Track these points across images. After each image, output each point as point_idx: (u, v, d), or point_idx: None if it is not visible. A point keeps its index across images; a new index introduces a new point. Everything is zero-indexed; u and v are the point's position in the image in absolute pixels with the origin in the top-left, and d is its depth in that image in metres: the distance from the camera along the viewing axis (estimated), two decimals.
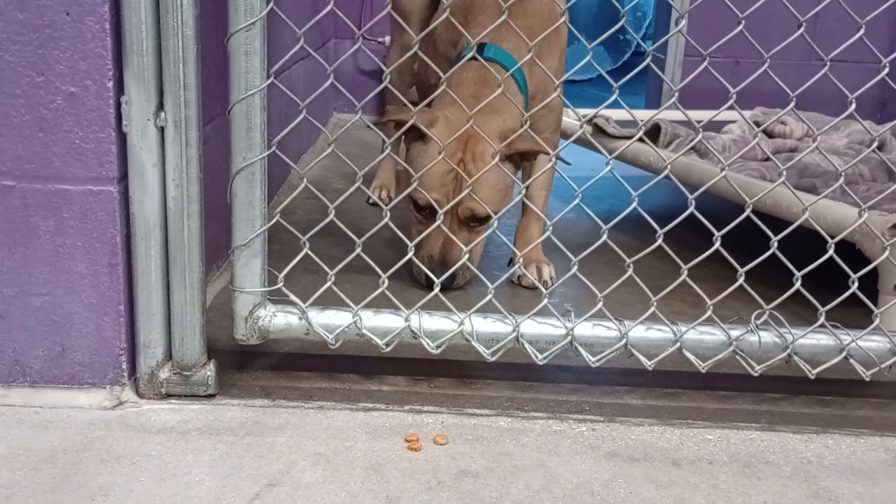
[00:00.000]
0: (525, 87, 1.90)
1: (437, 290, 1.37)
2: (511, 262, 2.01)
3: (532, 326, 1.36)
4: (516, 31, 1.46)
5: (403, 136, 1.84)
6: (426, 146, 1.80)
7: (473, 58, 1.83)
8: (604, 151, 2.17)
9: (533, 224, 1.99)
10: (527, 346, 1.35)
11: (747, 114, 2.70)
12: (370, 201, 2.50)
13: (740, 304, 1.47)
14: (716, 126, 2.49)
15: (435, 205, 1.66)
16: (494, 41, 1.87)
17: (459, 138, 1.73)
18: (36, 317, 1.30)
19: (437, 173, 1.75)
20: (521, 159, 1.83)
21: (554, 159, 1.54)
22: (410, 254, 1.38)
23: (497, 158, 1.53)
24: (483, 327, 1.35)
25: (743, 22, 1.27)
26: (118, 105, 1.24)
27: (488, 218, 1.79)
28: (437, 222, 1.41)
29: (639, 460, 1.24)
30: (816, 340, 1.38)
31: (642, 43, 1.45)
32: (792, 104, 1.32)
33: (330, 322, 1.34)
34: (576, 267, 1.40)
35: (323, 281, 1.33)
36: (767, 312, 1.36)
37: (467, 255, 1.44)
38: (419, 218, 1.85)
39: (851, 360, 1.38)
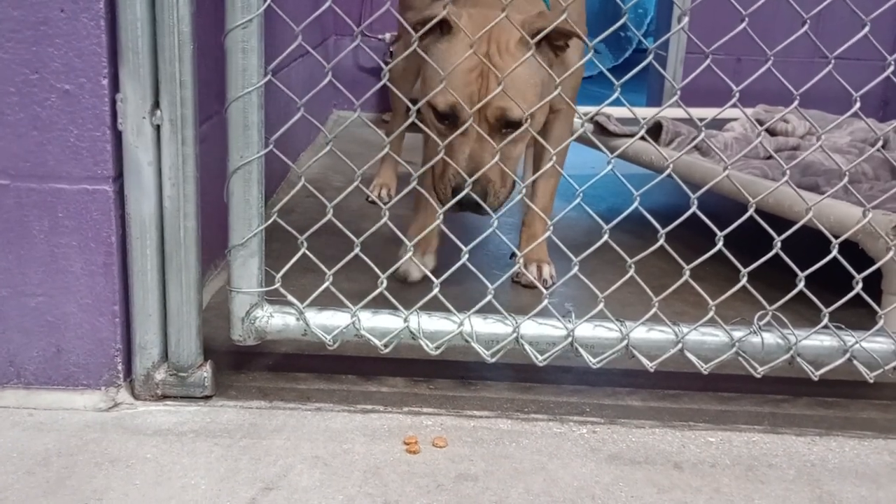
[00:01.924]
0: (549, 3, 1.72)
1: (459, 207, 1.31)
2: (513, 256, 1.97)
3: (532, 327, 1.34)
4: None
5: (420, 39, 1.39)
6: (448, 43, 1.55)
7: None
8: (605, 150, 2.16)
9: (536, 221, 1.93)
10: (527, 347, 1.34)
11: (749, 111, 2.68)
12: (369, 200, 2.49)
13: (742, 304, 1.46)
14: (717, 124, 2.47)
15: (460, 107, 1.47)
16: None
17: (483, 33, 1.44)
18: (31, 317, 1.29)
19: (459, 72, 1.50)
20: (553, 50, 1.59)
21: (555, 158, 1.47)
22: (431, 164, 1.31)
23: (532, 51, 1.37)
24: (483, 328, 1.34)
25: (746, 20, 1.25)
26: (113, 103, 1.22)
27: (520, 122, 1.52)
28: (462, 129, 1.28)
29: (640, 463, 1.23)
30: (820, 342, 1.37)
31: (644, 40, 1.43)
32: (796, 102, 1.31)
33: (328, 323, 1.33)
34: (577, 267, 1.38)
35: (321, 281, 1.32)
36: (770, 313, 1.35)
37: (497, 162, 1.30)
38: (441, 129, 1.57)
39: (855, 362, 1.37)
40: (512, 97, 1.43)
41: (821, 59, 3.69)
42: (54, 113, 1.22)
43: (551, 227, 1.38)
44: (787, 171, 1.36)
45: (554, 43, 1.58)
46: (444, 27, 1.55)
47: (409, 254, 1.39)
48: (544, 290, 1.36)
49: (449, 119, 1.55)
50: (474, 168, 1.51)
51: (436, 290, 1.34)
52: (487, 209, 1.43)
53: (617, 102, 1.29)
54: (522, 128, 1.40)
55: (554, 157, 1.40)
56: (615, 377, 1.48)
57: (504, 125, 1.55)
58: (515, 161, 1.64)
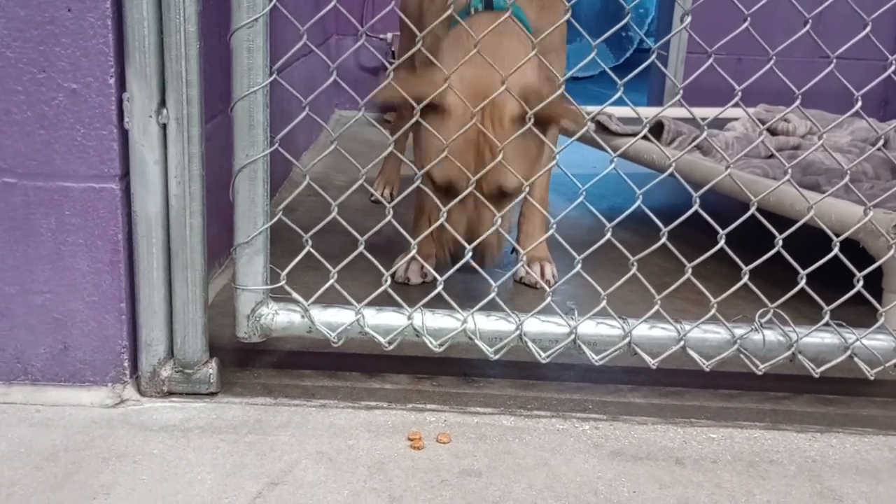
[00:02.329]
0: (528, 26, 1.68)
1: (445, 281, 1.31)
2: (514, 252, 1.95)
3: (535, 325, 1.35)
4: None
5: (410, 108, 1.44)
6: (440, 115, 1.52)
7: (485, 8, 1.61)
8: (607, 149, 2.17)
9: (535, 216, 1.90)
10: (530, 344, 1.35)
11: (751, 111, 2.69)
12: (372, 199, 2.50)
13: (744, 302, 1.47)
14: (718, 123, 2.48)
15: (457, 180, 1.48)
16: None
17: (477, 100, 1.42)
18: (37, 315, 1.30)
19: (455, 146, 1.47)
20: (545, 123, 1.51)
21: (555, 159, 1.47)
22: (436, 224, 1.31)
23: (530, 122, 1.35)
24: (486, 325, 1.35)
25: (748, 19, 1.26)
26: (120, 102, 1.23)
27: (518, 190, 1.54)
28: (459, 197, 1.30)
29: (642, 459, 1.24)
30: (821, 339, 1.38)
31: (646, 39, 1.44)
32: (797, 102, 1.32)
33: (332, 320, 1.34)
34: (579, 265, 1.39)
35: (325, 278, 1.33)
36: (772, 311, 1.36)
37: (495, 230, 1.33)
38: (440, 195, 1.58)
39: (856, 359, 1.38)
40: (509, 167, 1.44)
41: (821, 58, 3.70)
42: (61, 112, 1.23)
43: (554, 226, 1.39)
44: (789, 171, 1.37)
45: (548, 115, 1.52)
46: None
47: (409, 257, 1.39)
48: (547, 289, 1.37)
49: (448, 188, 1.55)
50: (472, 235, 1.52)
51: (439, 288, 1.35)
52: (482, 271, 1.40)
53: (619, 102, 1.30)
54: (521, 195, 1.38)
55: (556, 158, 1.40)
56: (617, 374, 1.49)
57: (501, 194, 1.56)
58: (510, 215, 1.64)
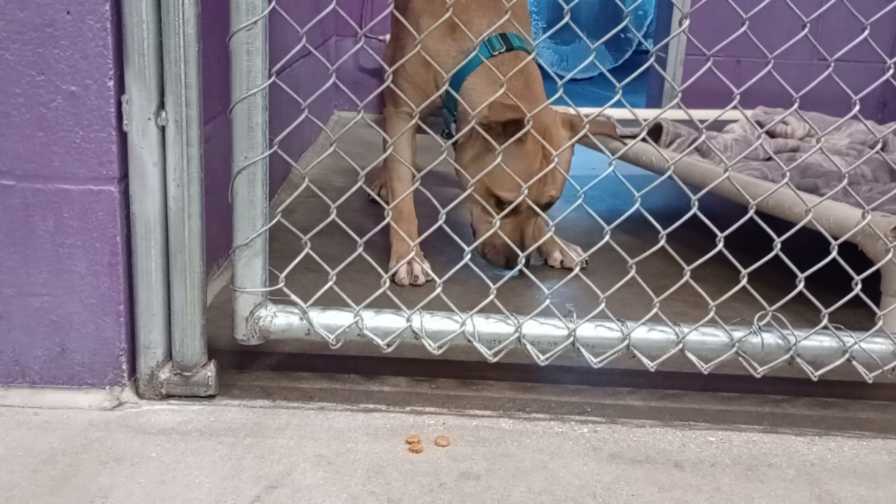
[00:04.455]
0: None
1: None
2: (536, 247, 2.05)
3: (534, 327, 1.35)
4: (511, 15, 1.47)
5: (490, 131, 1.72)
6: (514, 145, 1.66)
7: (507, 49, 1.85)
8: (606, 151, 2.17)
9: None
10: (529, 346, 1.35)
11: (749, 113, 2.69)
12: (370, 199, 2.50)
13: (742, 304, 1.47)
14: (717, 125, 2.48)
15: (529, 202, 1.69)
16: (500, 28, 1.83)
17: (538, 129, 1.65)
18: (35, 317, 1.30)
19: (524, 167, 1.76)
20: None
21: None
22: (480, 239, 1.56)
23: (573, 142, 1.61)
24: (485, 328, 1.35)
25: (747, 22, 1.26)
26: (119, 104, 1.23)
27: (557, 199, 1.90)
28: (520, 211, 1.53)
29: (641, 462, 1.24)
30: (819, 342, 1.38)
31: (644, 41, 1.45)
32: (796, 105, 1.32)
33: (331, 322, 1.34)
34: (578, 267, 1.39)
35: (324, 280, 1.33)
36: (770, 314, 1.36)
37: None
38: (496, 211, 1.81)
39: (854, 363, 1.38)
40: (559, 186, 1.82)
41: (819, 60, 3.71)
42: (60, 114, 1.23)
43: (553, 229, 1.39)
44: (787, 173, 1.37)
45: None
46: (511, 126, 1.70)
47: (408, 259, 1.42)
48: (577, 271, 1.39)
49: (508, 204, 1.81)
50: (523, 241, 1.83)
51: (438, 290, 1.35)
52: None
53: (618, 104, 1.30)
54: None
55: (555, 160, 1.41)
56: (616, 377, 1.49)
57: (546, 206, 1.88)
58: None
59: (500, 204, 1.83)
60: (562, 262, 2.04)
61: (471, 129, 1.70)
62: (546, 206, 1.88)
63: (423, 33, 1.38)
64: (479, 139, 1.79)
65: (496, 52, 1.85)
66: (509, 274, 1.61)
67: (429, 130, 1.44)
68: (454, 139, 1.82)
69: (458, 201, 1.57)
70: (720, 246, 1.33)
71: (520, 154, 1.78)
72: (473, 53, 1.48)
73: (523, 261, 1.40)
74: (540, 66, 1.88)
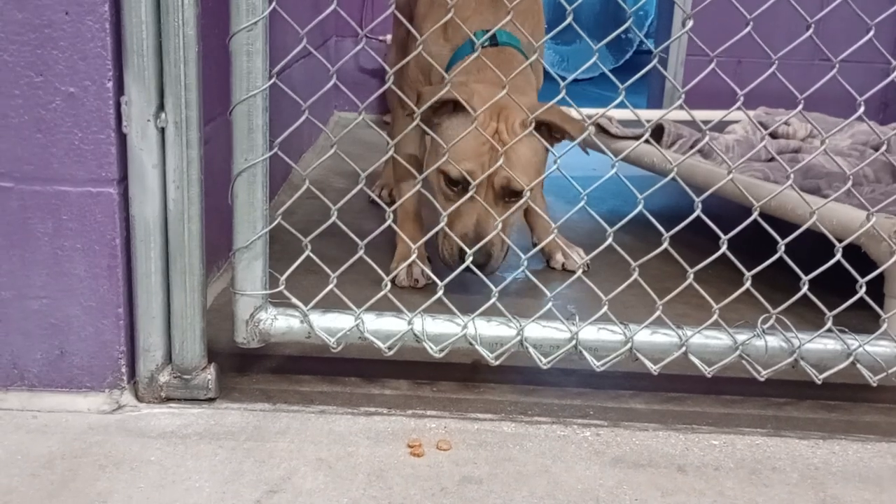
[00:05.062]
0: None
1: (465, 266, 1.40)
2: (539, 249, 2.07)
3: (536, 330, 1.34)
4: (511, 13, 1.46)
5: (434, 112, 1.73)
6: (460, 119, 1.73)
7: (491, 44, 1.84)
8: (608, 152, 2.16)
9: (537, 198, 2.00)
10: (531, 349, 1.34)
11: (751, 113, 2.68)
12: (371, 200, 2.49)
13: (746, 307, 1.46)
14: (718, 126, 2.47)
15: (468, 177, 1.64)
16: (493, 24, 1.85)
17: (492, 110, 1.69)
18: (34, 320, 1.29)
19: (471, 145, 1.68)
20: (550, 136, 1.78)
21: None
22: (440, 226, 1.40)
23: (531, 127, 1.52)
24: (487, 331, 1.34)
25: (751, 23, 1.25)
26: (118, 106, 1.22)
27: (521, 192, 1.69)
28: (470, 193, 1.41)
29: (644, 466, 1.23)
30: (823, 345, 1.37)
31: (646, 41, 1.44)
32: (800, 106, 1.31)
33: (332, 325, 1.33)
34: (580, 270, 1.38)
35: (324, 282, 1.32)
36: (774, 316, 1.35)
37: (499, 230, 1.46)
38: (449, 194, 1.75)
39: (858, 365, 1.37)
40: (516, 172, 1.66)
41: (821, 61, 3.70)
42: (58, 115, 1.22)
43: (556, 231, 1.38)
44: (791, 175, 1.36)
45: (552, 133, 1.77)
46: (457, 105, 1.70)
47: (409, 261, 1.41)
48: (579, 273, 1.38)
49: (458, 186, 1.72)
50: (480, 232, 1.67)
51: (440, 293, 1.34)
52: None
53: (619, 104, 1.29)
54: (523, 200, 1.48)
55: (557, 162, 1.40)
56: (618, 380, 1.48)
57: (507, 194, 1.73)
58: (513, 228, 1.83)
59: (450, 184, 1.74)
60: (563, 264, 2.03)
61: (430, 112, 1.69)
62: (505, 194, 1.73)
63: (423, 37, 1.39)
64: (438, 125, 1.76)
65: (478, 47, 1.82)
66: (453, 273, 1.44)
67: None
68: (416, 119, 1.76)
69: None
70: (723, 248, 1.32)
71: (460, 127, 1.69)
72: (458, 49, 1.48)
73: (472, 257, 1.38)
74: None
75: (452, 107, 1.73)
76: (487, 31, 1.84)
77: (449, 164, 1.69)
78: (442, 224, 1.39)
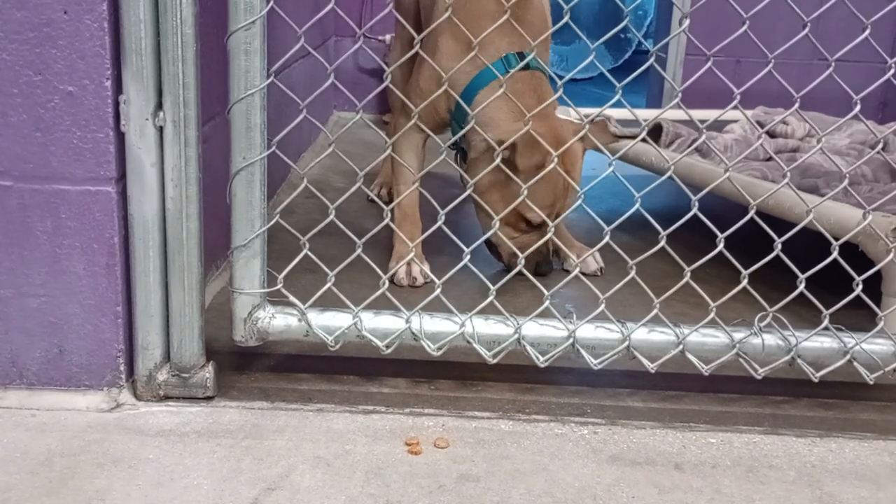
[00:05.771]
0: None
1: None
2: (556, 255, 2.08)
3: (534, 328, 1.34)
4: (524, 34, 1.47)
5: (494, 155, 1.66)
6: (535, 166, 1.72)
7: (523, 67, 1.79)
8: (606, 151, 2.16)
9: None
10: (528, 348, 1.34)
11: (749, 113, 2.68)
12: (369, 199, 2.49)
13: (743, 305, 1.46)
14: (717, 126, 2.47)
15: (547, 219, 1.74)
16: (519, 47, 1.84)
17: (557, 144, 1.72)
18: (33, 318, 1.29)
19: (548, 187, 1.78)
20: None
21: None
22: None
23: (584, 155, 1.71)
24: (484, 329, 1.34)
25: (748, 22, 1.25)
26: (116, 104, 1.22)
27: None
28: (549, 235, 1.45)
29: (641, 464, 1.23)
30: (820, 343, 1.37)
31: (644, 41, 1.44)
32: (797, 105, 1.31)
33: (330, 323, 1.33)
34: (578, 269, 1.39)
35: (323, 281, 1.32)
36: (771, 315, 1.35)
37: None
38: (520, 227, 1.86)
39: (855, 363, 1.37)
40: (574, 197, 1.78)
41: (819, 60, 3.70)
42: (57, 114, 1.22)
43: (552, 230, 1.38)
44: (788, 174, 1.36)
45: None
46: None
47: (407, 259, 1.45)
48: (576, 273, 1.38)
49: (530, 223, 1.85)
50: (547, 255, 1.87)
51: (437, 292, 1.34)
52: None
53: (618, 104, 1.29)
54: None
55: (554, 161, 1.40)
56: (616, 378, 1.48)
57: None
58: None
59: (524, 221, 1.85)
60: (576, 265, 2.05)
61: (487, 153, 1.77)
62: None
63: (441, 52, 1.38)
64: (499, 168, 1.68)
65: (512, 70, 1.80)
66: (508, 276, 1.59)
67: (436, 138, 1.45)
68: (451, 141, 1.86)
69: (457, 202, 1.55)
70: (720, 247, 1.32)
71: (545, 179, 1.68)
72: (486, 68, 1.47)
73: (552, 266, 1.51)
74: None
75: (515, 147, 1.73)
76: (518, 53, 1.82)
77: (531, 211, 1.79)
78: (495, 228, 1.45)
